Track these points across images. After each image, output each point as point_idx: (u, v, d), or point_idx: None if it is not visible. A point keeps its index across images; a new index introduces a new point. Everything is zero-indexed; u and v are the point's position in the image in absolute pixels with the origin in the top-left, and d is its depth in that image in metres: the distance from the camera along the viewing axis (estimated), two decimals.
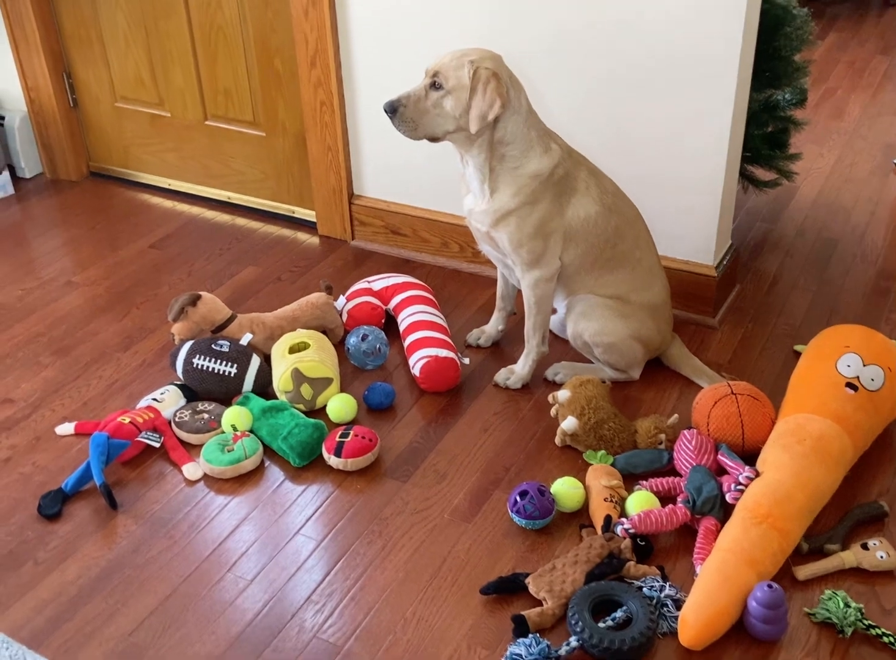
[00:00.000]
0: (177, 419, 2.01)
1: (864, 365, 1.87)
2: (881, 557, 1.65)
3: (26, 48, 2.97)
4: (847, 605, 1.55)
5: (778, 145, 2.59)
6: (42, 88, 3.04)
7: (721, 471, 1.83)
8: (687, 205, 2.25)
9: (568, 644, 1.52)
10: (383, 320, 2.33)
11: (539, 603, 1.61)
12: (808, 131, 3.01)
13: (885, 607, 1.60)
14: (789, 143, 2.62)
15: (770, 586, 1.52)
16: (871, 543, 1.68)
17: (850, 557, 1.66)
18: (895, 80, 3.86)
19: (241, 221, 2.92)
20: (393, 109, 1.89)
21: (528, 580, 1.62)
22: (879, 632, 1.53)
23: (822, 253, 2.67)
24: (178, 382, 2.11)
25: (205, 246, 2.79)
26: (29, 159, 3.18)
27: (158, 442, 1.94)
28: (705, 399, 1.93)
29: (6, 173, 3.08)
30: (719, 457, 1.83)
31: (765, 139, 2.55)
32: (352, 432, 1.92)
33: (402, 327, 2.26)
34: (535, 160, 1.94)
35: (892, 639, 1.52)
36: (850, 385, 1.84)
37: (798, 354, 2.20)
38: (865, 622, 1.54)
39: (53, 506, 1.82)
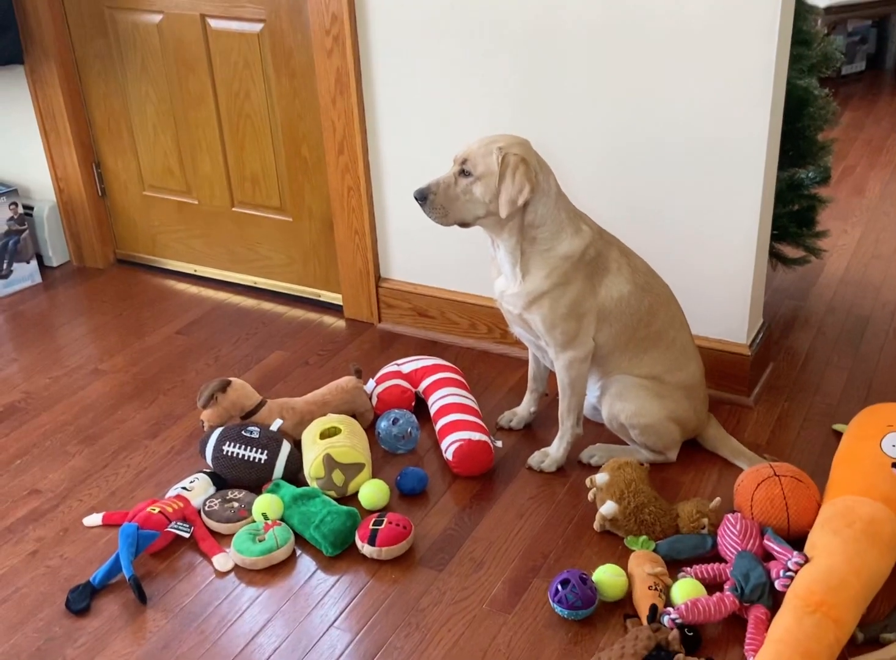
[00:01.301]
0: (206, 508, 1.98)
1: None
2: None
3: (57, 140, 3.05)
4: None
5: (805, 223, 2.59)
6: (71, 178, 3.10)
7: (767, 556, 1.77)
8: (719, 284, 2.24)
9: None
10: (413, 403, 2.31)
11: None
12: (831, 208, 3.02)
13: None
14: (816, 220, 2.63)
15: None
16: None
17: None
18: None
19: (266, 306, 2.93)
20: (423, 197, 1.91)
21: None
22: None
23: (854, 330, 2.64)
24: (208, 470, 2.08)
25: (231, 331, 2.79)
26: (56, 248, 3.22)
27: (189, 532, 1.90)
28: (748, 481, 1.88)
29: (34, 262, 3.12)
30: (765, 542, 1.77)
31: (792, 217, 2.56)
32: (385, 519, 1.88)
33: (432, 411, 2.24)
34: (566, 242, 1.95)
35: None
36: None
37: (837, 434, 2.16)
38: None
39: (82, 601, 1.77)
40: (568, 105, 2.23)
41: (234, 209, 2.94)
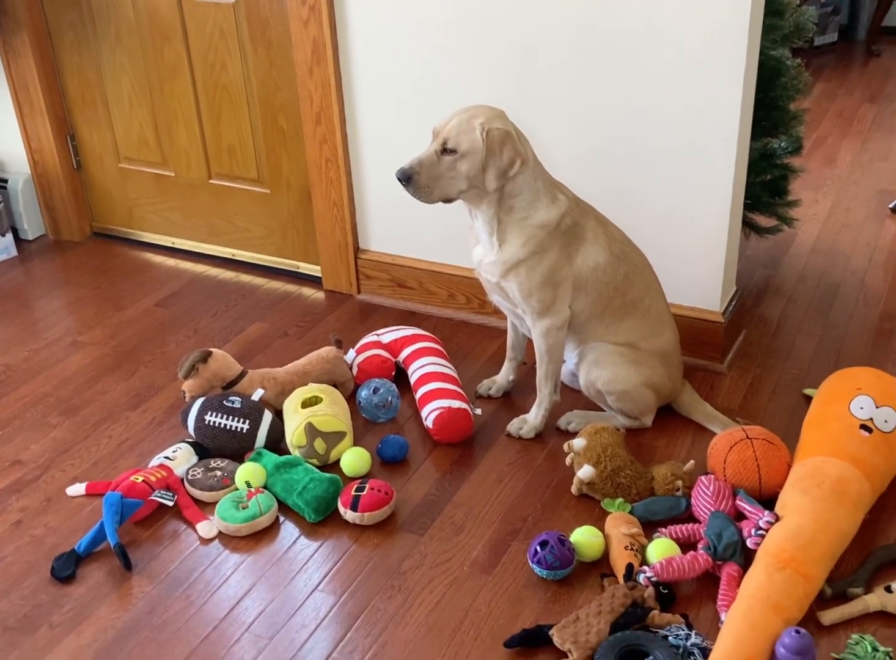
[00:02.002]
0: (189, 477, 2.00)
1: (877, 407, 1.88)
2: None
3: (30, 112, 3.02)
4: (875, 649, 1.53)
5: (777, 192, 2.63)
6: (46, 151, 3.07)
7: (740, 516, 1.82)
8: (693, 253, 2.28)
9: None
10: (394, 373, 2.33)
11: (564, 655, 1.58)
12: (802, 178, 3.06)
13: None
14: (788, 189, 2.66)
15: (798, 632, 1.50)
16: (894, 585, 1.66)
17: (874, 600, 1.65)
18: (884, 128, 3.95)
19: (245, 278, 2.94)
20: (407, 178, 1.90)
21: (553, 632, 1.60)
22: None
23: (825, 297, 2.69)
24: (190, 440, 2.10)
25: (210, 303, 2.79)
26: (32, 221, 3.20)
27: (172, 500, 1.93)
28: (721, 444, 1.93)
29: (9, 236, 3.10)
30: (737, 502, 1.82)
31: (764, 187, 2.60)
32: (367, 486, 1.91)
33: (412, 379, 2.27)
34: (542, 210, 1.97)
35: None
36: (864, 427, 1.85)
37: (808, 398, 2.21)
38: None
39: (67, 568, 1.79)
40: (544, 78, 2.25)
41: (211, 181, 2.93)
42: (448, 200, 1.95)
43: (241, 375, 2.20)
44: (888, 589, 1.66)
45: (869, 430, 1.84)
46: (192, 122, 2.85)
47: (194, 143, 2.88)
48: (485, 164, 1.88)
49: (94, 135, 3.05)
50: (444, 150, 1.89)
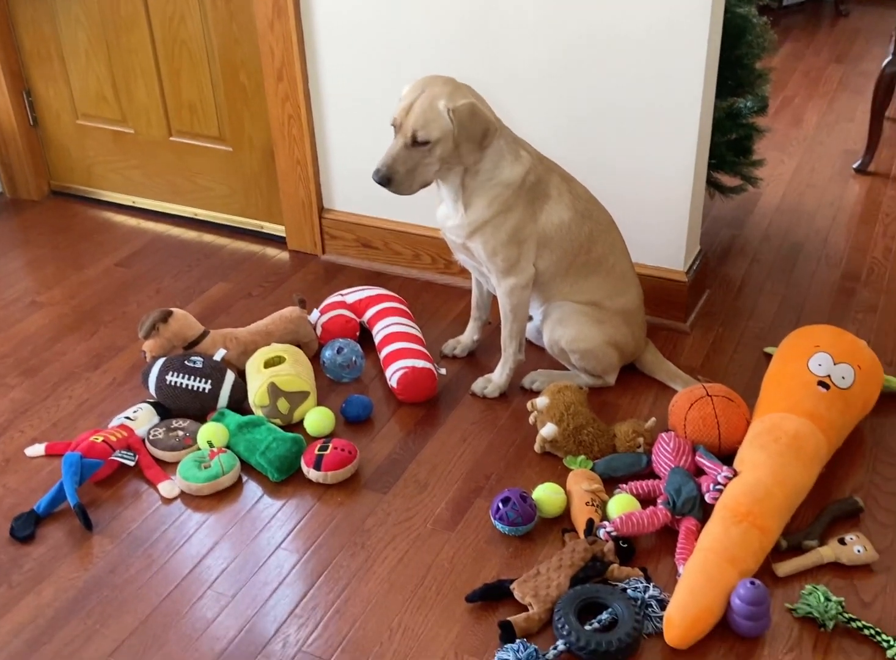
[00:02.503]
0: (151, 437, 1.98)
1: (835, 364, 1.91)
2: (858, 551, 1.67)
3: None
4: (828, 599, 1.57)
5: (742, 152, 2.63)
6: (1, 107, 2.99)
7: (699, 472, 1.84)
8: (657, 212, 2.28)
9: (555, 648, 1.51)
10: (358, 333, 2.32)
11: (525, 609, 1.60)
12: (768, 138, 3.07)
13: (864, 599, 1.62)
14: (753, 149, 2.67)
15: (753, 583, 1.53)
16: (847, 538, 1.70)
17: (828, 552, 1.68)
18: (850, 88, 3.95)
19: (208, 238, 2.90)
20: (387, 180, 1.87)
21: (514, 586, 1.62)
22: (860, 625, 1.55)
23: (788, 257, 2.71)
24: (151, 400, 2.09)
25: (172, 263, 2.76)
26: None
27: (133, 461, 1.91)
28: (681, 402, 1.95)
29: None
30: (697, 458, 1.85)
31: (729, 146, 2.59)
32: (331, 445, 1.91)
33: (377, 339, 2.26)
34: (506, 169, 1.95)
35: (872, 631, 1.53)
36: (821, 384, 1.87)
37: (769, 356, 2.23)
38: (846, 616, 1.56)
39: (26, 528, 1.78)
40: (509, 38, 2.22)
41: (171, 139, 2.88)
42: (427, 185, 1.93)
43: (203, 335, 2.17)
44: (842, 541, 1.69)
45: (826, 386, 1.87)
46: (151, 77, 2.79)
47: (154, 99, 2.82)
48: (458, 142, 1.86)
49: (50, 90, 2.98)
50: (415, 143, 1.85)
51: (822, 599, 1.56)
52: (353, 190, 2.65)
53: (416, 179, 1.90)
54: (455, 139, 1.85)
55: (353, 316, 2.33)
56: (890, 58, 3.11)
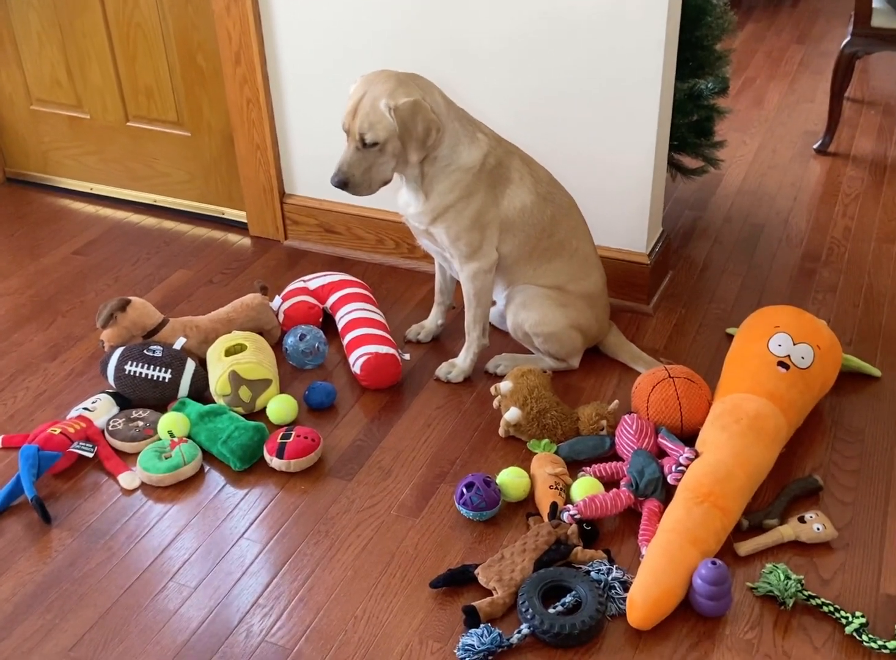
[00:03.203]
0: (110, 428, 1.95)
1: (795, 344, 1.92)
2: (818, 529, 1.69)
3: None
4: (787, 577, 1.58)
5: (703, 133, 2.63)
6: None
7: (662, 454, 1.85)
8: (619, 194, 2.28)
9: (519, 632, 1.52)
10: (321, 319, 2.30)
11: (489, 593, 1.60)
12: (730, 120, 3.08)
13: (823, 577, 1.64)
14: (714, 130, 2.67)
15: (714, 563, 1.54)
16: (807, 516, 1.72)
17: (788, 531, 1.70)
18: (811, 69, 3.98)
19: (168, 224, 2.85)
20: (344, 183, 1.88)
21: (478, 571, 1.62)
22: (819, 602, 1.57)
23: (750, 238, 2.73)
24: (110, 391, 2.06)
25: (131, 251, 2.72)
26: None
27: (92, 452, 1.89)
28: (644, 384, 1.95)
29: None
30: (659, 440, 1.85)
31: (690, 128, 2.60)
32: (294, 433, 1.89)
33: (340, 325, 2.24)
34: (464, 153, 1.94)
35: (831, 608, 1.56)
36: (781, 364, 1.89)
37: (730, 337, 2.25)
38: (805, 593, 1.58)
39: None
40: (467, 22, 2.19)
41: (128, 124, 2.83)
42: (387, 182, 1.93)
43: (163, 323, 2.14)
44: (801, 519, 1.71)
45: (786, 366, 1.88)
46: (106, 61, 2.73)
47: (109, 83, 2.77)
48: (402, 140, 1.85)
49: (2, 75, 2.91)
50: (365, 144, 1.85)
51: (782, 577, 1.58)
52: (314, 175, 2.62)
53: (375, 179, 1.90)
54: (399, 137, 1.84)
55: (315, 302, 2.31)
56: (848, 38, 3.13)
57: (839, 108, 3.20)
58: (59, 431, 1.88)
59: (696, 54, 2.48)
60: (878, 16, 3.05)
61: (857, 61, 3.33)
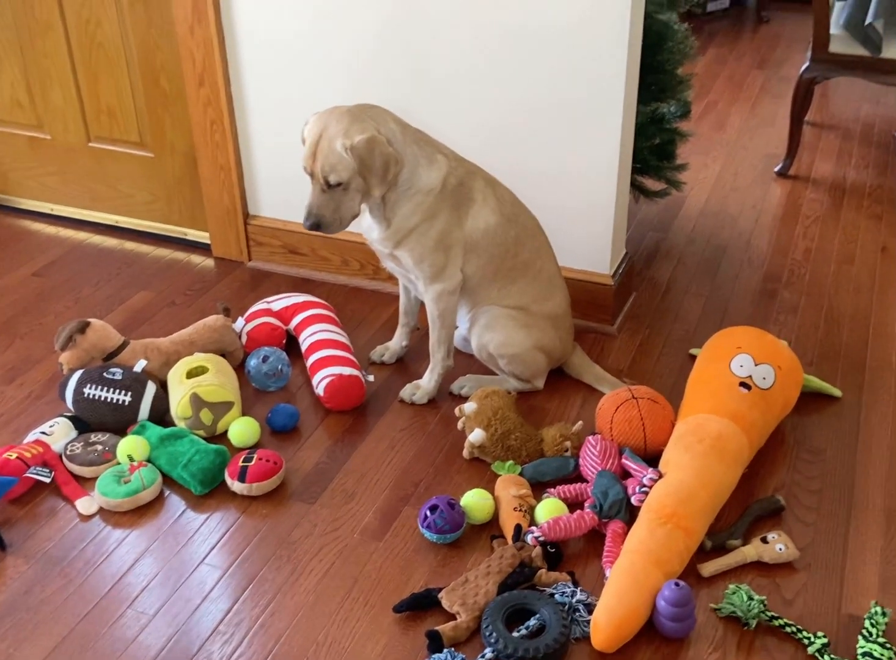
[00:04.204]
0: (68, 453, 1.92)
1: (756, 364, 1.94)
2: (780, 549, 1.70)
3: None
4: (750, 598, 1.59)
5: (665, 156, 2.66)
6: None
7: (626, 474, 1.85)
8: (582, 216, 2.29)
9: (483, 656, 1.51)
10: (284, 341, 2.29)
11: (453, 617, 1.59)
12: (692, 143, 3.12)
13: (785, 597, 1.65)
14: (676, 153, 2.70)
15: (677, 585, 1.54)
16: (770, 536, 1.72)
17: (751, 551, 1.71)
18: (771, 93, 4.05)
19: (130, 245, 2.83)
20: (317, 226, 1.90)
21: (441, 595, 1.61)
22: (782, 622, 1.57)
23: (712, 259, 2.76)
24: (69, 414, 2.02)
25: (92, 272, 2.68)
26: None
27: (49, 477, 1.85)
28: (607, 405, 1.96)
29: None
30: (623, 461, 1.86)
31: (653, 151, 2.63)
32: (255, 456, 1.87)
33: (303, 347, 2.23)
34: (424, 176, 1.94)
35: (794, 628, 1.56)
36: (743, 385, 1.90)
37: (694, 358, 2.26)
38: (768, 614, 1.58)
39: None
40: (430, 43, 2.21)
41: (90, 144, 2.80)
42: (357, 216, 1.95)
43: (123, 345, 2.12)
44: (764, 540, 1.72)
45: (748, 387, 1.90)
46: (68, 81, 2.71)
47: (71, 104, 2.75)
48: (363, 177, 1.85)
49: None
50: (329, 186, 1.86)
51: (744, 598, 1.58)
52: (278, 196, 2.62)
53: (345, 216, 1.91)
54: (360, 174, 1.85)
55: (279, 324, 2.29)
56: (807, 64, 3.19)
57: (799, 132, 3.26)
58: (15, 455, 1.84)
59: (658, 78, 2.51)
60: (836, 42, 3.11)
61: (817, 86, 3.40)
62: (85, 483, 1.89)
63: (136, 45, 2.57)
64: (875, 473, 1.92)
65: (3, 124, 2.89)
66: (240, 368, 2.22)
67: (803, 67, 3.20)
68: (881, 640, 1.52)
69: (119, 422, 2.00)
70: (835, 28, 3.13)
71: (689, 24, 2.64)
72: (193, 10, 2.37)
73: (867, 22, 3.01)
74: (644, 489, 1.75)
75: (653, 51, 2.44)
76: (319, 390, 2.10)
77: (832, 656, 1.51)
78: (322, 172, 1.84)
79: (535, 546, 1.69)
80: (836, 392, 2.15)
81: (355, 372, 2.10)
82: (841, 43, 3.11)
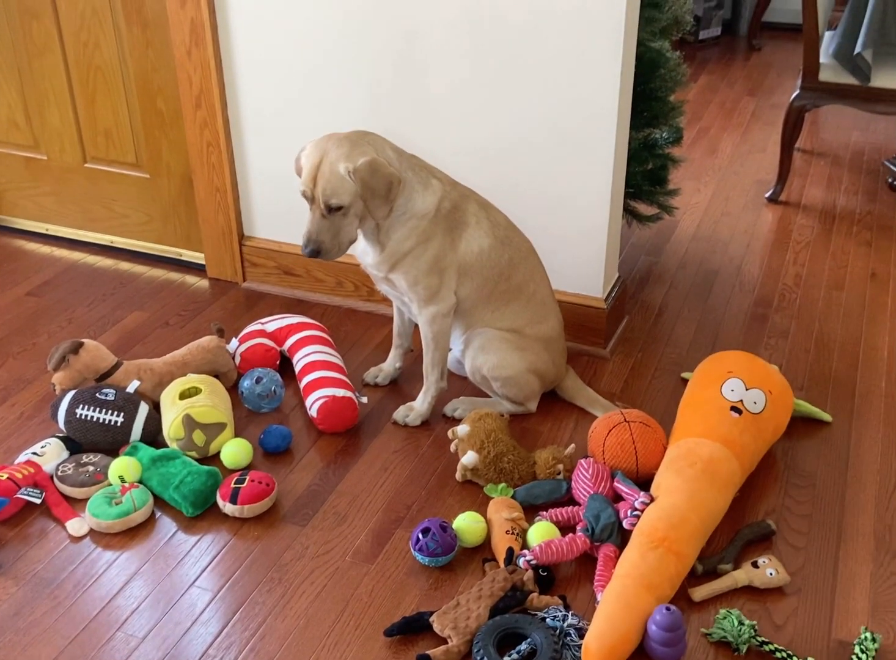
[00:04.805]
0: (59, 473, 1.91)
1: (747, 389, 1.95)
2: (771, 574, 1.70)
3: None
4: (741, 623, 1.59)
5: (658, 181, 2.69)
6: None
7: (618, 498, 1.86)
8: (575, 240, 2.31)
9: None
10: (278, 362, 2.29)
11: (444, 641, 1.58)
12: (685, 168, 3.15)
13: (776, 622, 1.65)
14: (668, 179, 2.73)
15: (668, 609, 1.54)
16: (760, 561, 1.73)
17: (742, 575, 1.71)
18: (762, 120, 4.09)
19: (124, 266, 2.83)
20: (316, 252, 1.89)
21: (433, 619, 1.60)
22: (772, 648, 1.57)
23: (704, 284, 2.78)
24: (61, 435, 2.02)
25: (86, 292, 2.69)
26: None
27: (39, 498, 1.84)
28: (600, 428, 1.97)
29: None
30: (615, 484, 1.86)
31: (646, 176, 2.65)
32: (248, 478, 1.87)
33: (297, 368, 2.23)
34: (418, 200, 1.96)
35: (784, 654, 1.56)
36: (734, 409, 1.91)
37: (685, 381, 2.27)
38: (759, 639, 1.58)
39: None
40: (426, 68, 2.23)
41: (86, 165, 2.82)
42: (354, 241, 1.95)
43: (116, 366, 2.12)
44: (755, 564, 1.72)
45: (739, 411, 1.91)
46: (65, 103, 2.73)
47: (68, 125, 2.76)
48: (365, 199, 1.86)
49: None
50: (331, 210, 1.86)
51: (735, 623, 1.58)
52: (273, 217, 2.63)
53: (343, 242, 1.92)
54: (362, 197, 1.86)
55: (273, 345, 2.30)
56: (798, 92, 3.23)
57: (790, 158, 3.29)
58: (6, 476, 1.84)
59: (650, 105, 2.54)
60: (826, 71, 3.16)
61: (807, 114, 3.44)
62: (76, 504, 1.88)
63: (133, 67, 2.59)
64: (865, 497, 1.93)
65: None
66: (233, 389, 2.22)
67: (794, 95, 3.24)
68: None
69: (111, 443, 1.99)
70: (824, 57, 3.18)
71: (682, 51, 2.67)
72: (191, 34, 2.39)
73: (856, 51, 3.05)
74: (636, 513, 1.75)
75: (645, 78, 2.47)
76: (313, 412, 2.10)
77: None
78: (323, 195, 1.85)
79: (527, 570, 1.69)
80: (827, 417, 2.16)
81: (349, 394, 2.11)
82: (831, 71, 3.15)
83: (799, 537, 1.83)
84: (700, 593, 1.68)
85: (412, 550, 1.76)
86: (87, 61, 2.64)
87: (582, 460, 1.90)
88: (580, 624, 1.60)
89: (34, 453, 1.94)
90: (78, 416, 1.98)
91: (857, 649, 1.55)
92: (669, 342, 2.48)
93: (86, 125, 2.75)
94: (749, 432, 1.89)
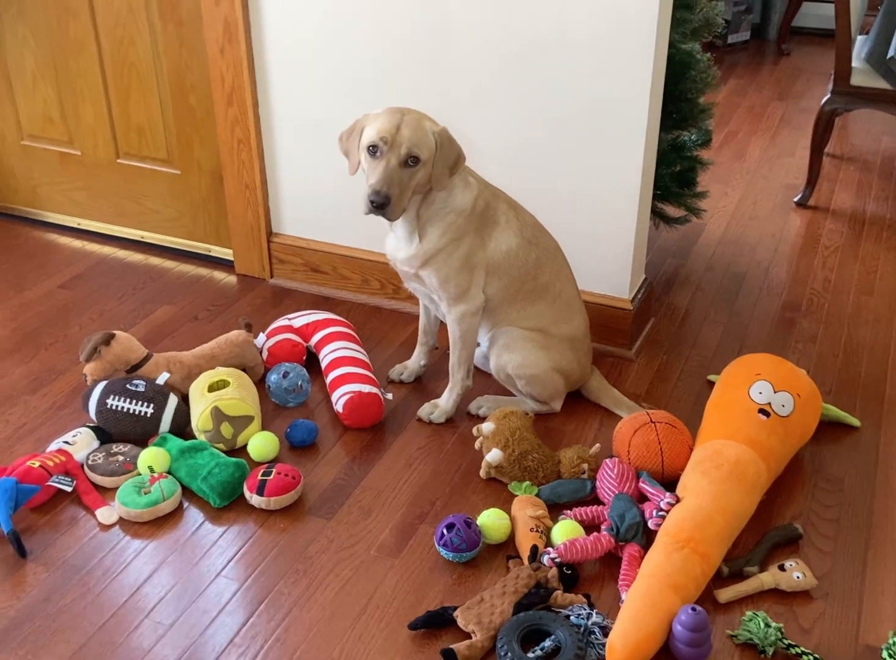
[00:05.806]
0: (90, 462, 1.94)
1: (775, 392, 1.94)
2: (798, 577, 1.69)
3: None
4: (767, 625, 1.58)
5: (686, 184, 2.68)
6: None
7: (643, 498, 1.85)
8: (603, 241, 2.31)
9: None
10: (305, 357, 2.31)
11: (468, 636, 1.59)
12: (712, 171, 3.14)
13: (803, 626, 1.64)
14: (697, 181, 2.72)
15: (694, 610, 1.54)
16: (787, 564, 1.72)
17: (768, 578, 1.70)
18: (791, 125, 4.07)
19: (154, 261, 2.86)
20: (385, 203, 1.80)
21: (457, 614, 1.61)
22: (799, 650, 1.56)
23: (731, 287, 2.77)
24: (91, 424, 2.04)
25: (117, 286, 2.72)
26: None
27: (70, 486, 1.87)
28: (625, 428, 1.96)
29: None
30: (640, 484, 1.86)
31: (674, 178, 2.65)
32: (274, 470, 1.89)
33: (323, 364, 2.25)
34: (458, 197, 1.97)
35: (811, 657, 1.55)
36: (762, 411, 1.91)
37: (711, 384, 2.26)
38: (786, 642, 1.57)
39: None
40: (459, 68, 2.24)
41: (119, 161, 2.85)
42: (404, 212, 1.89)
43: (146, 358, 2.14)
44: (781, 567, 1.71)
45: (767, 414, 1.90)
46: (100, 99, 2.76)
47: (101, 121, 2.80)
48: (435, 165, 1.87)
49: None
50: (408, 162, 1.84)
51: (762, 625, 1.58)
52: (302, 214, 2.65)
53: (404, 203, 1.86)
54: (434, 162, 1.87)
55: (299, 340, 2.32)
56: (828, 96, 3.21)
57: (819, 163, 3.27)
58: (38, 464, 1.86)
59: (680, 107, 2.54)
60: (858, 75, 3.14)
61: (837, 118, 3.41)
62: (105, 493, 1.90)
63: (167, 64, 2.62)
64: (893, 503, 1.91)
65: (34, 140, 2.94)
66: (260, 383, 2.24)
67: (824, 99, 3.22)
68: None
69: (141, 433, 2.02)
70: (856, 61, 3.16)
71: (711, 54, 2.67)
72: (224, 31, 2.42)
73: (889, 55, 3.03)
74: (661, 513, 1.75)
75: (676, 79, 2.46)
76: (338, 407, 2.11)
77: None
78: (409, 142, 1.82)
79: (551, 567, 1.69)
80: (855, 422, 2.14)
81: (374, 390, 2.12)
82: (862, 76, 3.13)
83: (826, 542, 1.82)
84: (726, 594, 1.68)
85: (436, 545, 1.77)
86: (122, 58, 2.67)
87: (607, 460, 1.90)
88: (604, 622, 1.60)
89: (65, 442, 1.97)
90: (109, 406, 2.01)
91: (884, 654, 1.54)
92: (695, 345, 2.47)
93: (119, 121, 2.78)
94: (776, 435, 1.89)
